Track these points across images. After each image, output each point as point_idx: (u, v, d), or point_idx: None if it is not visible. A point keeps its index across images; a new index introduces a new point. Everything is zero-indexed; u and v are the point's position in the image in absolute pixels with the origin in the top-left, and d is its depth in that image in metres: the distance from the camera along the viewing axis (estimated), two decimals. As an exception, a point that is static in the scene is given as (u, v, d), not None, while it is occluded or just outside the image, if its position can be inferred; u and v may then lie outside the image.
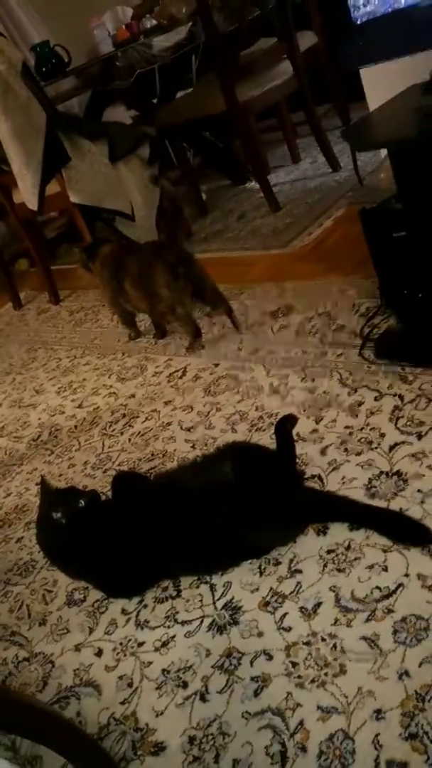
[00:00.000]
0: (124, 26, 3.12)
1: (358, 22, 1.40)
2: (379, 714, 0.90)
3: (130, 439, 1.78)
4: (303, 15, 3.16)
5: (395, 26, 1.36)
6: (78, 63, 3.28)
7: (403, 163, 1.38)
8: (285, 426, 1.35)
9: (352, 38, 1.47)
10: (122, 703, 1.08)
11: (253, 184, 3.40)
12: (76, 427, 1.97)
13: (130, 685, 1.11)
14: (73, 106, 3.43)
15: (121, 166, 2.64)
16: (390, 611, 1.03)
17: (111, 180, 2.57)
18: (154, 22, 3.00)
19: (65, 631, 1.27)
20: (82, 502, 1.29)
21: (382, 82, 1.82)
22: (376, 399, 1.50)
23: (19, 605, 1.39)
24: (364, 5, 1.36)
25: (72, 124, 2.55)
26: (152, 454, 1.67)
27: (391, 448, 1.35)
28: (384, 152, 2.07)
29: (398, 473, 1.28)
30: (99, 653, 1.19)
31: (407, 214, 1.49)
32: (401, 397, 1.47)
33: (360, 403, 1.51)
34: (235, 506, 1.21)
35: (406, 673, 0.94)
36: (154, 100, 3.53)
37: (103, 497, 1.38)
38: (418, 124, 1.36)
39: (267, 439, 1.53)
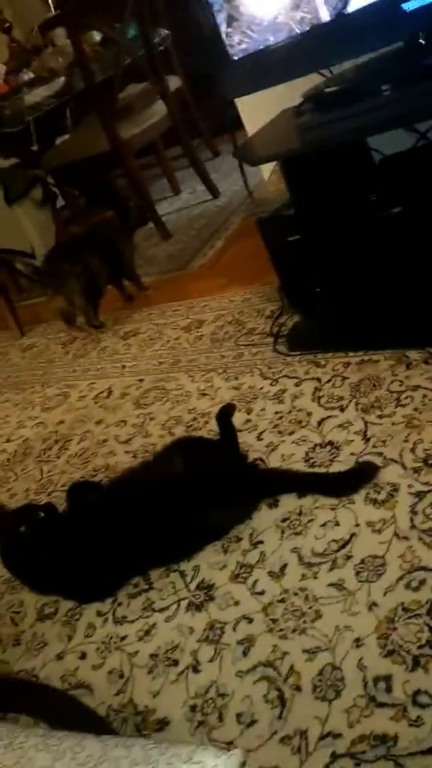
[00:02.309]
0: (2, 81, 3.18)
1: (235, 58, 1.55)
2: (358, 642, 0.98)
3: (68, 461, 1.78)
4: (166, 61, 3.38)
5: (268, 61, 1.52)
6: None
7: (293, 173, 1.53)
8: (225, 415, 1.43)
9: (231, 72, 1.62)
10: (117, 694, 1.09)
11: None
12: (8, 460, 1.94)
13: (121, 676, 1.12)
14: None
15: (16, 208, 2.66)
16: (349, 557, 1.12)
17: (9, 222, 2.58)
18: (32, 75, 3.08)
19: (42, 645, 1.26)
20: (42, 513, 1.31)
21: (256, 110, 1.99)
22: (296, 385, 1.61)
23: (-11, 632, 1.35)
24: (239, 44, 1.51)
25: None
26: (95, 471, 1.69)
27: (319, 423, 1.46)
28: (264, 170, 2.24)
29: (330, 443, 1.39)
30: (83, 656, 1.19)
31: (300, 219, 1.63)
32: (319, 380, 1.59)
33: (283, 391, 1.62)
34: (192, 494, 1.27)
35: (374, 604, 1.03)
36: (34, 147, 3.58)
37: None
38: (300, 139, 1.52)
39: (206, 436, 1.60)
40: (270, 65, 1.54)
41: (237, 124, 2.38)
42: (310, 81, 1.61)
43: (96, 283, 2.44)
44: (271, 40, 1.51)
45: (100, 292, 2.48)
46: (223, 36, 1.56)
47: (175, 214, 3.37)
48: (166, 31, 3.36)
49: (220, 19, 1.55)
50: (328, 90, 1.52)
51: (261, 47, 1.52)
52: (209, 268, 2.60)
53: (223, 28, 1.56)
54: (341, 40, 1.45)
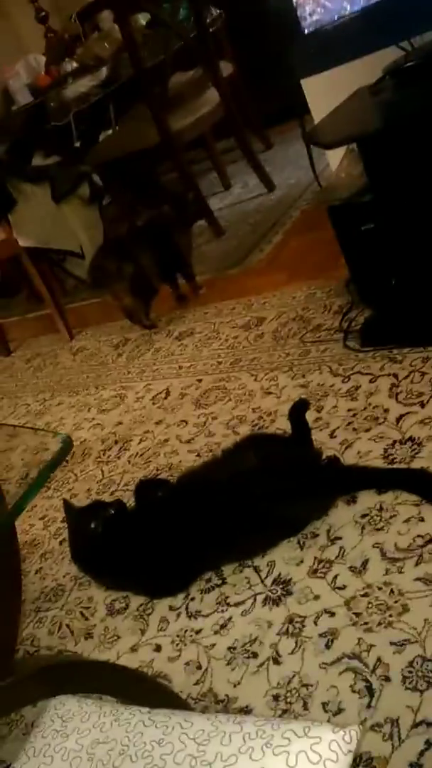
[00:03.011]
0: (43, 72, 3.34)
1: (308, 30, 1.63)
2: (450, 635, 1.05)
3: (129, 461, 1.90)
4: (217, 45, 3.49)
5: (344, 32, 1.59)
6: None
7: (371, 156, 1.60)
8: (298, 410, 1.52)
9: (303, 47, 1.69)
10: (196, 684, 1.19)
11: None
12: (67, 461, 2.06)
13: (198, 667, 1.21)
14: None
15: (64, 206, 2.81)
16: (436, 552, 1.19)
17: (57, 220, 2.74)
18: (74, 64, 3.23)
19: (115, 638, 1.36)
20: (112, 510, 1.41)
21: (324, 94, 2.07)
22: (371, 381, 1.69)
23: (58, 627, 1.46)
24: (311, 15, 1.58)
25: (12, 169, 2.73)
26: (157, 470, 1.79)
27: (398, 419, 1.53)
28: (331, 158, 2.33)
29: (411, 439, 1.46)
30: (158, 649, 1.29)
31: (378, 206, 1.70)
32: (395, 376, 1.66)
33: (357, 388, 1.70)
34: (265, 488, 1.36)
35: (465, 596, 1.10)
36: (75, 144, 3.75)
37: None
38: (380, 118, 1.59)
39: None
40: (347, 37, 1.57)
41: (295, 111, 2.47)
42: (380, 60, 1.66)
43: (147, 280, 2.56)
44: (348, 9, 1.55)
45: (153, 290, 2.60)
46: (295, 6, 1.61)
47: (227, 210, 3.49)
48: (218, 11, 3.46)
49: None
50: (409, 64, 1.59)
51: (336, 17, 1.57)
52: (267, 263, 2.70)
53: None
54: (425, 8, 1.50)
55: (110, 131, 3.91)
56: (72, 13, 4.19)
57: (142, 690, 1.01)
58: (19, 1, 4.96)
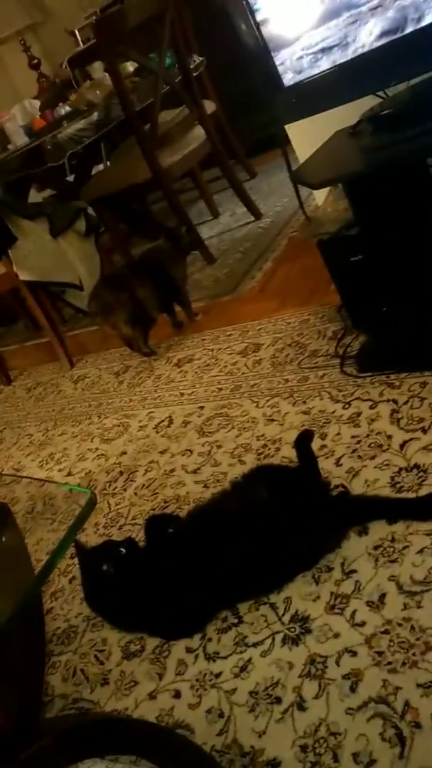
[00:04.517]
0: (38, 116, 3.28)
1: (288, 80, 1.59)
2: None
3: (136, 493, 1.80)
4: (200, 86, 3.47)
5: (323, 83, 1.55)
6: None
7: (356, 194, 1.55)
8: (304, 441, 1.43)
9: (284, 96, 1.66)
10: (219, 734, 1.09)
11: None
12: (71, 492, 1.96)
13: (221, 715, 1.11)
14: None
15: (61, 240, 2.73)
16: (454, 585, 1.10)
17: (56, 254, 2.65)
18: (68, 108, 3.18)
19: (132, 683, 1.26)
20: (123, 550, 1.32)
21: (304, 130, 2.03)
22: (371, 407, 1.61)
23: (72, 672, 1.35)
24: (293, 71, 1.55)
25: (10, 206, 2.64)
26: (165, 502, 1.70)
27: (402, 446, 1.45)
28: (313, 192, 2.28)
29: (417, 466, 1.38)
30: (177, 695, 1.19)
31: (364, 239, 1.64)
32: (395, 401, 1.58)
33: (358, 414, 1.61)
34: (278, 522, 1.27)
35: None
36: (69, 178, 3.68)
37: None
38: (363, 161, 1.55)
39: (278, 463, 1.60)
40: (324, 90, 1.56)
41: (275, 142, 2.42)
42: (356, 104, 1.63)
43: (144, 311, 2.48)
44: (323, 66, 1.53)
45: (150, 320, 2.52)
46: (273, 57, 1.59)
47: (216, 238, 3.42)
48: (200, 58, 3.46)
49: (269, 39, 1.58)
50: (385, 112, 1.55)
51: (313, 74, 1.55)
52: (260, 290, 2.62)
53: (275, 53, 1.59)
54: (400, 60, 1.46)
55: (102, 166, 3.86)
56: (63, 60, 4.17)
57: (171, 749, 0.91)
58: (13, 48, 4.94)
